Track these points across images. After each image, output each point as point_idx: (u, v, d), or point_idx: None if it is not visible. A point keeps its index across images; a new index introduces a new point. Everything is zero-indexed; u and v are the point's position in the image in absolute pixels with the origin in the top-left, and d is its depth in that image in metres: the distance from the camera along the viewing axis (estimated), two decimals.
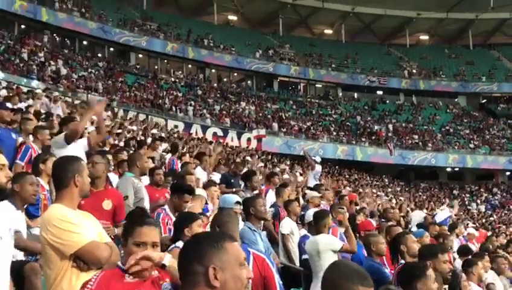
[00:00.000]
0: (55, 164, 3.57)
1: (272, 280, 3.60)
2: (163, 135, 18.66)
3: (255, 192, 9.54)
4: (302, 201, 10.04)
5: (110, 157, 7.75)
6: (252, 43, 45.49)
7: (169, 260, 2.72)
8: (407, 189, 37.86)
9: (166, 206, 5.62)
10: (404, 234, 5.73)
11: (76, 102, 22.39)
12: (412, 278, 3.78)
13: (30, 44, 33.22)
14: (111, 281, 2.63)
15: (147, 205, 6.17)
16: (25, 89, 20.50)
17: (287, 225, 7.34)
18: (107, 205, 4.70)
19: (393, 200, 24.05)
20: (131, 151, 8.37)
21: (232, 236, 2.09)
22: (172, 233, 5.20)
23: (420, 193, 37.66)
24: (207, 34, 43.68)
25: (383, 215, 9.67)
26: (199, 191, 6.93)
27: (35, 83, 27.19)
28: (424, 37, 55.00)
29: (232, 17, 51.78)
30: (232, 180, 9.80)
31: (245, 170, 11.29)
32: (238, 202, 5.21)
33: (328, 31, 54.11)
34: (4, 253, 3.04)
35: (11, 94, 16.28)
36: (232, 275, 1.94)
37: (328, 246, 6.08)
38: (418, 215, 14.09)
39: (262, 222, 7.78)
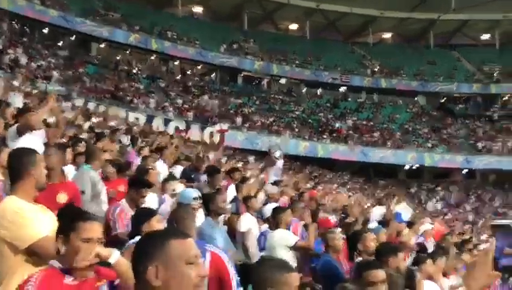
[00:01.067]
0: (10, 156, 3.49)
1: (227, 277, 3.57)
2: (123, 127, 18.39)
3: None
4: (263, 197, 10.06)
5: (68, 149, 7.58)
6: (216, 36, 45.21)
7: (116, 257, 2.67)
8: (366, 186, 38.39)
9: (123, 201, 5.53)
10: (362, 232, 5.81)
11: (35, 92, 21.90)
12: (362, 271, 3.83)
13: None
14: (52, 282, 2.55)
15: (104, 198, 6.07)
16: None
17: (246, 222, 7.34)
18: (63, 198, 4.59)
19: (353, 197, 24.33)
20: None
21: (181, 233, 2.04)
22: (129, 228, 5.15)
23: (379, 190, 38.22)
24: (171, 26, 43.24)
25: (343, 212, 9.74)
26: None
27: None
28: (387, 36, 55.71)
29: (197, 9, 51.35)
30: (193, 175, 9.74)
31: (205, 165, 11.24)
32: (196, 198, 5.16)
33: (293, 27, 54.25)
34: None
35: None
36: (176, 274, 1.87)
37: (282, 241, 6.14)
38: (378, 212, 14.29)
39: (222, 217, 7.83)
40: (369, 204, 19.88)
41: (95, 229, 2.71)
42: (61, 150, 5.92)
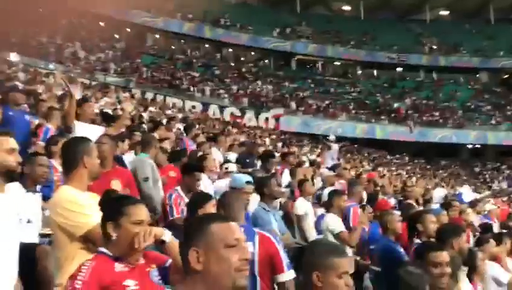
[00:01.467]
0: (63, 146, 3.55)
1: (278, 258, 3.57)
2: (180, 115, 18.66)
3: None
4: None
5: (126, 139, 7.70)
6: (269, 21, 45.03)
7: (169, 236, 2.69)
8: (427, 167, 37.52)
9: (178, 187, 5.59)
10: (422, 213, 5.63)
11: (94, 83, 22.51)
12: (425, 252, 3.70)
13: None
14: (103, 272, 2.57)
15: (161, 186, 6.14)
16: (43, 72, 20.64)
17: (301, 206, 7.27)
18: (116, 185, 4.66)
19: (413, 179, 23.82)
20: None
21: (222, 217, 2.05)
22: (185, 214, 5.19)
23: (441, 171, 37.30)
24: (224, 13, 43.36)
25: (402, 194, 9.53)
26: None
27: (52, 66, 27.32)
28: (444, 13, 53.92)
29: None
30: (248, 160, 9.73)
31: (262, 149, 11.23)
32: (248, 182, 5.13)
33: (346, 8, 53.27)
34: (8, 245, 2.99)
35: (29, 76, 16.41)
36: (216, 257, 1.89)
37: (329, 227, 6.07)
38: (439, 193, 13.95)
39: (277, 201, 7.80)
40: (430, 186, 19.40)
41: (144, 212, 2.74)
42: (114, 139, 6.06)
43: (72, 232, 3.16)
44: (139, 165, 5.92)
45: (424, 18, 52.01)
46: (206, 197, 4.31)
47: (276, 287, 3.61)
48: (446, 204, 8.15)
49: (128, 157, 6.72)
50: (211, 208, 4.10)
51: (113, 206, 2.74)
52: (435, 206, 9.72)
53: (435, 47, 48.33)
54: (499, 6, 50.32)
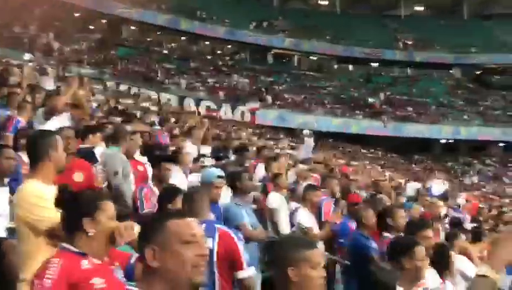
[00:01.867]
0: (29, 139, 3.50)
1: (237, 254, 3.57)
2: (154, 108, 18.54)
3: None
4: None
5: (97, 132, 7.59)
6: (245, 14, 44.91)
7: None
8: (401, 161, 37.93)
9: (150, 181, 5.56)
10: (392, 208, 5.71)
11: (68, 75, 22.18)
12: (400, 254, 3.73)
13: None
14: (71, 269, 2.53)
15: (132, 180, 6.08)
16: (15, 62, 20.27)
17: (274, 199, 7.28)
18: (79, 177, 4.62)
19: (387, 173, 24.06)
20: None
21: (179, 214, 2.05)
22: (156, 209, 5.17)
23: (414, 165, 37.77)
24: (200, 6, 43.08)
25: (374, 188, 9.62)
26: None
27: (27, 56, 26.86)
28: (420, 8, 54.42)
29: None
30: (222, 154, 9.72)
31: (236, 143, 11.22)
32: (219, 176, 5.12)
33: (323, 2, 53.41)
34: None
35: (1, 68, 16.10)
36: (172, 254, 1.88)
37: (299, 222, 6.13)
38: (412, 188, 14.13)
39: (251, 195, 7.80)
40: (402, 180, 19.61)
41: (113, 207, 2.75)
42: (85, 131, 6.00)
43: (37, 227, 3.12)
44: (108, 159, 5.86)
45: (399, 14, 52.44)
46: (176, 191, 4.29)
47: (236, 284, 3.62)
48: (415, 198, 8.26)
49: (99, 150, 6.65)
50: (180, 202, 4.09)
51: (89, 201, 2.71)
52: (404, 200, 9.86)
53: (409, 43, 48.75)
54: (473, 2, 51.01)
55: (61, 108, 5.76)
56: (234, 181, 5.80)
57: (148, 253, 1.89)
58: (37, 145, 3.34)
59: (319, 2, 53.24)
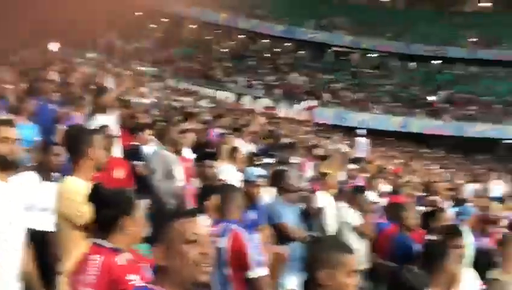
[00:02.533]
0: (69, 136, 3.59)
1: (243, 255, 3.57)
2: (211, 106, 18.77)
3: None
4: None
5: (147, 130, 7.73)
6: (304, 12, 44.75)
7: None
8: (463, 162, 36.81)
9: (194, 179, 5.64)
10: (436, 211, 5.59)
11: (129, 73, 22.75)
12: (433, 258, 3.65)
13: None
14: (111, 265, 2.64)
15: (179, 176, 6.18)
16: (78, 61, 20.99)
17: (321, 199, 7.24)
18: (120, 173, 4.74)
19: (447, 174, 23.44)
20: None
21: (186, 213, 2.11)
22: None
23: (477, 166, 36.55)
24: (259, 4, 43.24)
25: (427, 189, 9.39)
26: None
27: (90, 55, 27.72)
28: (486, 4, 52.65)
29: None
30: (271, 152, 9.72)
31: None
32: (260, 175, 5.13)
33: None
34: (14, 239, 3.05)
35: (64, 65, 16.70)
36: (176, 253, 1.96)
37: (345, 220, 6.07)
38: (470, 188, 13.71)
39: (296, 194, 7.77)
40: (463, 181, 19.05)
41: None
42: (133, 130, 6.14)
43: (75, 222, 3.23)
44: (150, 158, 6.01)
45: (464, 10, 50.91)
46: (211, 190, 4.34)
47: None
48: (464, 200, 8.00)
49: (148, 149, 6.80)
50: (216, 200, 4.13)
51: (129, 200, 2.83)
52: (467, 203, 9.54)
53: (474, 39, 47.27)
54: None
55: (109, 106, 5.92)
56: (278, 180, 5.81)
57: (157, 252, 1.99)
58: (76, 142, 3.44)
59: None
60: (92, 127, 4.86)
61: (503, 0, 50.93)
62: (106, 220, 2.78)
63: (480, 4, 52.26)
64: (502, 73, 46.62)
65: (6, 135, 3.00)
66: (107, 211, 2.80)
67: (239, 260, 3.55)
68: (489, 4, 52.25)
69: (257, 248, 3.58)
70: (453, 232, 4.48)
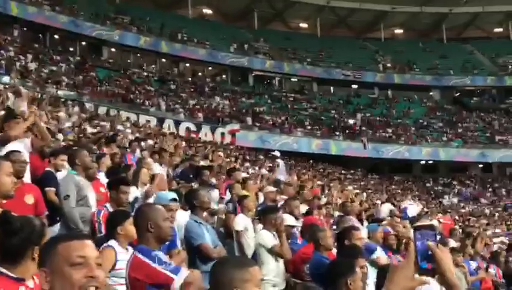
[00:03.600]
0: None
1: (151, 271, 3.39)
2: (129, 130, 18.46)
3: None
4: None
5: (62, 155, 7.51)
6: (226, 37, 45.26)
7: None
8: (380, 182, 38.09)
9: (108, 204, 5.51)
10: (350, 229, 5.72)
11: (45, 97, 22.02)
12: (340, 275, 3.75)
13: None
14: None
15: (92, 201, 6.03)
16: None
17: (241, 221, 7.27)
18: (29, 199, 4.58)
19: (364, 194, 24.12)
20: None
21: (71, 236, 2.05)
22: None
23: (394, 186, 37.94)
24: (181, 28, 43.32)
25: (342, 209, 9.63)
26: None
27: (5, 79, 26.65)
28: (399, 31, 55.31)
29: (207, 11, 51.45)
30: (191, 176, 9.70)
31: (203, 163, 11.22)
32: (173, 199, 5.10)
33: (304, 25, 54.09)
34: None
35: None
36: (60, 277, 1.88)
37: (261, 242, 6.10)
38: (386, 208, 14.15)
39: (216, 217, 7.78)
40: (379, 201, 19.67)
41: None
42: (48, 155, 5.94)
43: None
44: (61, 183, 5.84)
45: (379, 36, 53.18)
46: (125, 215, 4.26)
47: None
48: (380, 220, 8.28)
49: (61, 174, 6.60)
50: (129, 225, 4.05)
51: (36, 229, 2.74)
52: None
53: (389, 65, 49.41)
54: (451, 25, 51.96)
55: (17, 136, 5.71)
56: (192, 199, 5.80)
57: (41, 276, 1.91)
58: None
59: (300, 24, 53.87)
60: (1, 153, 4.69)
61: (415, 28, 53.69)
62: (13, 249, 2.66)
63: (395, 31, 54.81)
64: (415, 97, 48.92)
65: None
66: (14, 239, 2.68)
67: (151, 279, 3.40)
68: (401, 31, 54.89)
69: (163, 260, 3.45)
70: (358, 251, 4.62)
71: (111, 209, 5.44)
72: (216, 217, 7.99)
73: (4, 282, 2.56)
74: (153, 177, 7.38)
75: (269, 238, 6.13)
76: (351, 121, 43.13)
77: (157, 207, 3.84)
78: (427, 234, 1.80)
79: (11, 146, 5.50)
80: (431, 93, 49.96)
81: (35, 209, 4.54)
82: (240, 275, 2.32)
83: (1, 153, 5.26)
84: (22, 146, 5.73)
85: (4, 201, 4.15)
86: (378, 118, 44.63)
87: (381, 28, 52.82)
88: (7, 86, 20.02)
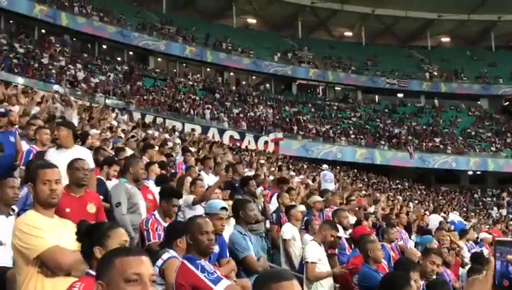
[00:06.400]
0: (25, 170, 3.55)
1: (194, 279, 3.53)
2: (177, 138, 18.69)
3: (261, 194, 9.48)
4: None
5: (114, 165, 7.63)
6: (270, 46, 45.41)
7: None
8: (426, 193, 37.36)
9: (156, 212, 5.56)
10: (372, 241, 5.69)
11: (94, 105, 22.52)
12: (395, 288, 3.68)
13: (50, 48, 33.56)
14: None
15: (142, 209, 6.10)
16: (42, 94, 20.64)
17: (288, 231, 7.24)
18: (91, 208, 4.66)
19: (411, 204, 23.73)
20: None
21: (129, 251, 2.06)
22: (161, 239, 5.17)
23: (440, 197, 37.14)
24: (226, 37, 43.74)
25: (386, 220, 9.46)
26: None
27: (55, 87, 27.36)
28: (446, 39, 54.33)
29: (251, 20, 51.77)
30: (237, 185, 9.70)
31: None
32: (223, 208, 5.11)
33: (348, 33, 53.78)
34: None
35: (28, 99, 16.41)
36: None
37: (304, 254, 6.08)
38: (435, 219, 13.87)
39: (261, 225, 7.74)
40: (428, 212, 19.30)
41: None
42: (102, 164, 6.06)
43: (26, 254, 3.16)
44: (113, 190, 5.93)
45: (425, 44, 52.38)
46: (179, 229, 4.29)
47: None
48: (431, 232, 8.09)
49: (112, 182, 6.72)
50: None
51: (99, 232, 2.93)
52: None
53: (436, 73, 48.58)
54: (500, 33, 50.72)
55: (73, 139, 5.84)
56: (238, 210, 5.80)
57: (97, 289, 1.93)
58: (25, 177, 3.42)
59: (344, 33, 53.58)
60: (68, 160, 4.79)
61: (463, 36, 52.64)
62: (87, 251, 2.89)
63: (442, 39, 53.87)
64: (463, 106, 47.90)
65: None
66: (84, 243, 2.93)
67: (193, 286, 3.50)
68: (448, 39, 53.90)
69: (206, 269, 3.54)
70: (410, 266, 4.54)
71: (159, 218, 5.50)
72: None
73: (85, 279, 2.71)
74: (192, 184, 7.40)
75: (318, 249, 6.09)
76: (396, 130, 42.53)
77: (196, 221, 3.94)
78: (507, 251, 1.74)
79: (78, 151, 5.64)
80: (479, 102, 48.81)
81: (96, 217, 4.62)
82: (275, 288, 2.30)
83: (67, 158, 5.31)
84: (88, 154, 5.86)
85: (68, 210, 4.27)
86: (424, 127, 43.89)
87: (428, 35, 52.02)
88: (57, 93, 20.57)
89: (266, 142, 33.32)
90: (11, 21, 34.67)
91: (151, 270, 1.99)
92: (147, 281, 1.93)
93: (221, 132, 33.37)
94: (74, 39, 37.47)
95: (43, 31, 36.12)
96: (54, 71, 30.07)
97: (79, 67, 32.55)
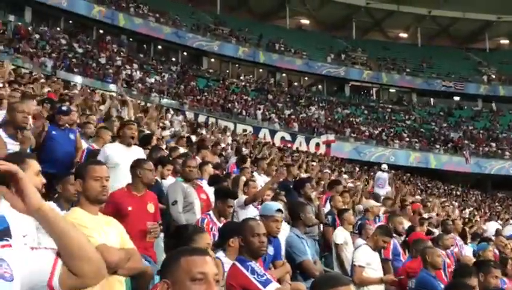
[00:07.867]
0: (75, 168, 3.62)
1: (244, 280, 3.56)
2: (229, 139, 18.82)
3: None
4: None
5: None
6: (323, 47, 45.15)
7: None
8: (482, 199, 36.29)
9: (211, 212, 5.60)
10: (431, 247, 5.58)
11: (149, 105, 22.93)
12: None
13: (107, 48, 34.43)
14: None
15: (197, 208, 6.17)
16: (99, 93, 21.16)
17: (340, 235, 7.17)
18: (151, 207, 4.75)
19: (467, 211, 23.10)
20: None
21: (195, 250, 2.07)
22: (216, 239, 5.20)
23: (497, 204, 35.99)
24: (279, 38, 43.75)
25: (442, 227, 9.23)
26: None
27: (111, 87, 28.08)
28: (505, 41, 52.65)
29: (305, 21, 51.58)
30: (290, 187, 9.66)
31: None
32: (279, 210, 5.10)
33: (403, 35, 52.86)
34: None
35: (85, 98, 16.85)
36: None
37: (353, 258, 6.03)
38: (492, 227, 13.49)
39: (315, 228, 7.69)
40: (483, 219, 18.76)
41: None
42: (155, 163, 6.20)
43: None
44: (169, 189, 6.03)
45: (483, 47, 50.93)
46: (233, 230, 4.31)
47: None
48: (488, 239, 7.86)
49: (167, 181, 6.83)
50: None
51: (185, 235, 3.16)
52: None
53: (494, 76, 47.15)
54: None
55: (129, 137, 5.96)
56: (297, 213, 5.77)
57: (162, 287, 1.93)
58: (76, 175, 3.49)
59: (399, 34, 52.72)
60: (130, 159, 4.93)
61: None
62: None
63: (500, 41, 52.24)
64: None
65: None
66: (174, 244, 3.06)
67: (242, 287, 3.53)
68: (507, 41, 52.23)
69: (256, 270, 3.57)
70: (467, 272, 4.43)
71: (214, 218, 5.54)
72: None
73: None
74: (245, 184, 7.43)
75: (360, 256, 6.04)
76: (452, 134, 41.51)
77: (248, 223, 3.99)
78: None
79: (136, 150, 5.78)
80: None
81: (154, 217, 4.71)
82: None
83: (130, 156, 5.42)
84: (143, 153, 6.00)
85: (130, 208, 4.35)
86: (481, 132, 42.67)
87: (486, 37, 50.56)
88: (114, 92, 21.08)
89: (318, 144, 33.11)
90: (70, 21, 35.75)
91: (215, 269, 2.00)
92: (212, 280, 1.94)
93: (273, 133, 33.40)
94: (130, 39, 38.31)
95: (101, 31, 37.10)
96: (111, 71, 30.81)
97: (135, 67, 33.23)
